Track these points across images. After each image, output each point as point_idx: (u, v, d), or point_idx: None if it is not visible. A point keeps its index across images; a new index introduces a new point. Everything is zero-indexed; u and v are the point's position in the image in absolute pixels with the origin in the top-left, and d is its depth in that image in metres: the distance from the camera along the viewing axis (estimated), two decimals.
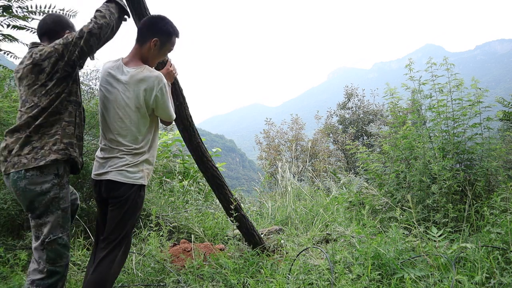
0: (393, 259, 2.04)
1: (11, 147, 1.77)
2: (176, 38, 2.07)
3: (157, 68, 2.20)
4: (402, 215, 2.88)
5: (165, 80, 1.96)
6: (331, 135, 11.80)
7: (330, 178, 6.45)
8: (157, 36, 1.96)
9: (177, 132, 6.29)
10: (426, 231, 2.55)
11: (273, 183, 7.72)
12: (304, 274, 2.12)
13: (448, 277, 1.80)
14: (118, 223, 1.90)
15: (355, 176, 5.49)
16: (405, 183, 3.46)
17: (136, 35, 2.00)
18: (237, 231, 3.65)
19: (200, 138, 2.69)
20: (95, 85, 4.95)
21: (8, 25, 3.61)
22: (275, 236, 3.45)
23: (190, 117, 2.58)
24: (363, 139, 11.24)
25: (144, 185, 1.99)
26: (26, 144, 1.75)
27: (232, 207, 2.72)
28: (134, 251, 2.82)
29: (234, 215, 2.70)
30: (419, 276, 1.88)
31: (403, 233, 2.47)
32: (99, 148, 2.02)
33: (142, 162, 1.97)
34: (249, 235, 2.96)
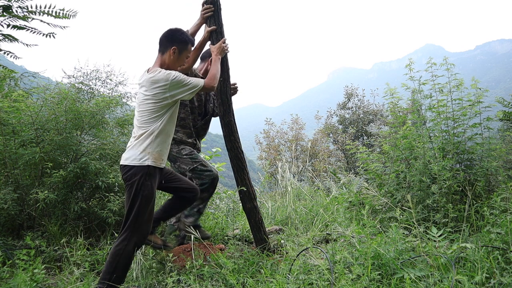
0: (393, 259, 2.04)
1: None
2: (191, 46, 2.44)
3: (213, 43, 2.62)
4: (402, 215, 2.88)
5: (174, 73, 2.23)
6: (331, 135, 11.80)
7: (330, 178, 6.45)
8: (175, 44, 2.33)
9: None
10: (426, 231, 2.55)
11: (273, 183, 7.72)
12: (304, 274, 2.12)
13: (448, 277, 1.80)
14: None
15: (355, 176, 5.49)
16: (405, 183, 3.46)
17: (158, 46, 2.37)
18: (237, 231, 3.65)
19: (234, 117, 2.86)
20: (95, 85, 4.94)
21: (8, 25, 3.61)
22: (275, 236, 3.45)
23: (230, 94, 2.82)
24: (363, 139, 11.23)
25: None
26: None
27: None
28: (138, 252, 2.81)
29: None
30: (419, 276, 1.88)
31: (403, 233, 2.47)
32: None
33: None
34: (257, 228, 2.97)
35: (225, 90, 2.76)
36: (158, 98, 2.24)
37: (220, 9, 2.66)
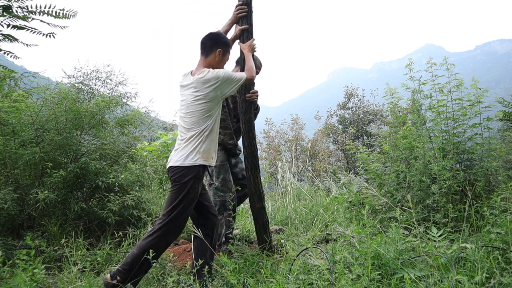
0: (393, 259, 2.04)
1: None
2: (230, 48, 2.63)
3: (243, 41, 2.85)
4: (402, 215, 2.88)
5: (222, 71, 2.40)
6: (331, 135, 11.80)
7: (330, 178, 6.45)
8: (220, 47, 2.50)
9: (177, 132, 6.28)
10: (426, 231, 2.54)
11: (273, 183, 7.72)
12: (304, 274, 2.12)
13: (448, 277, 1.79)
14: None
15: (355, 176, 5.49)
16: (405, 183, 3.46)
17: (200, 49, 2.53)
18: (237, 231, 3.65)
19: (253, 115, 2.99)
20: (95, 85, 4.94)
21: (8, 25, 3.61)
22: (275, 236, 3.45)
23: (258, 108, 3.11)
24: (363, 139, 11.23)
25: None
26: None
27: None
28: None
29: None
30: (419, 276, 1.87)
31: (403, 233, 2.47)
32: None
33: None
34: (263, 230, 2.99)
35: (249, 87, 2.90)
36: (210, 97, 2.38)
37: (252, 10, 2.87)
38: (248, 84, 2.89)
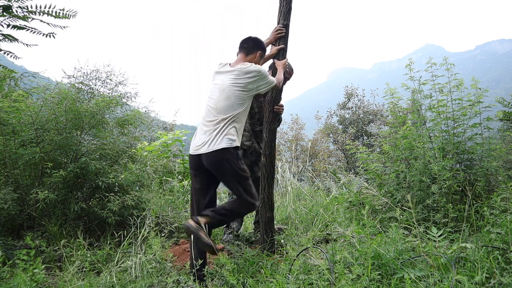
0: (393, 259, 2.04)
1: None
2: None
3: (278, 58, 3.12)
4: (402, 215, 2.88)
5: (262, 67, 2.67)
6: (331, 135, 11.80)
7: (330, 178, 6.45)
8: (261, 50, 2.80)
9: (177, 132, 6.28)
10: (426, 231, 2.54)
11: None
12: (304, 274, 2.12)
13: (448, 277, 1.80)
14: None
15: (355, 176, 5.49)
16: (405, 183, 3.46)
17: (241, 47, 2.77)
18: None
19: (277, 126, 3.20)
20: (95, 85, 4.94)
21: (8, 25, 3.61)
22: (275, 236, 3.44)
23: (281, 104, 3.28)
24: (363, 139, 11.22)
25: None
26: None
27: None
28: (138, 252, 2.82)
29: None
30: (419, 276, 1.87)
31: (403, 233, 2.47)
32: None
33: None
34: (271, 237, 3.06)
35: (278, 99, 3.14)
36: (246, 88, 2.59)
37: (288, 33, 3.14)
38: (278, 97, 3.13)
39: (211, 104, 2.63)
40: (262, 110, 3.39)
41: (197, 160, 2.56)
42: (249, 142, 3.40)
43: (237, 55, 2.81)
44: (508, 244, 2.07)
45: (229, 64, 2.74)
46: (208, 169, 2.54)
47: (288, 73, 3.40)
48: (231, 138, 2.52)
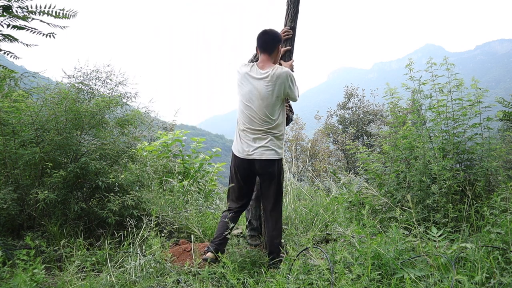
0: (393, 259, 2.04)
1: None
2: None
3: (284, 60, 3.13)
4: (402, 215, 2.88)
5: (290, 72, 2.76)
6: (331, 135, 11.80)
7: (330, 178, 6.45)
8: (280, 43, 2.87)
9: (177, 132, 6.28)
10: (426, 231, 2.54)
11: None
12: (304, 274, 2.12)
13: (448, 277, 1.80)
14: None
15: (355, 176, 5.49)
16: (405, 183, 3.46)
17: (262, 48, 2.81)
18: (236, 231, 3.65)
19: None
20: (95, 85, 4.93)
21: (8, 25, 3.61)
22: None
23: (291, 107, 3.51)
24: (363, 139, 11.23)
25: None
26: None
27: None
28: (138, 252, 2.82)
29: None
30: (419, 276, 1.88)
31: (403, 233, 2.47)
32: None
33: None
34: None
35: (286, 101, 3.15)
36: (280, 93, 2.74)
37: (295, 35, 3.18)
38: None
39: (260, 111, 2.76)
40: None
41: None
42: None
43: (258, 52, 2.86)
44: (508, 244, 2.07)
45: (256, 65, 2.81)
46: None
47: None
48: (281, 149, 2.83)
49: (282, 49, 3.11)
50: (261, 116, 2.74)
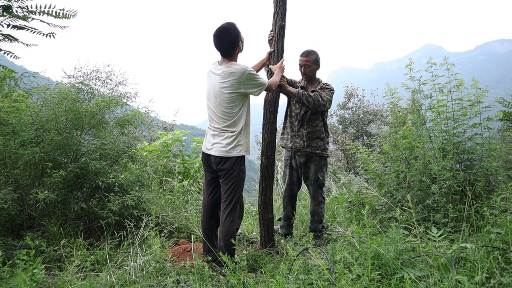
0: (393, 259, 2.04)
1: None
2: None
3: (272, 63, 3.10)
4: (402, 215, 2.88)
5: (247, 69, 2.62)
6: (331, 135, 11.79)
7: (330, 178, 6.45)
8: (239, 40, 2.70)
9: (177, 132, 6.28)
10: (426, 231, 2.54)
11: None
12: (304, 274, 2.12)
13: (448, 277, 1.79)
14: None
15: (355, 176, 5.49)
16: (405, 183, 3.45)
17: (219, 48, 2.69)
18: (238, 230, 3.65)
19: (276, 127, 3.15)
20: (95, 85, 4.94)
21: (8, 25, 3.60)
22: (275, 236, 3.44)
23: (277, 104, 3.18)
24: (363, 139, 11.22)
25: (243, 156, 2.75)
26: None
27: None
28: (138, 252, 2.82)
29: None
30: (419, 276, 1.87)
31: (403, 233, 2.47)
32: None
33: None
34: (269, 239, 3.08)
35: (274, 102, 3.09)
36: (234, 90, 2.65)
37: (282, 36, 3.05)
38: (273, 100, 3.07)
39: (210, 110, 2.75)
40: (302, 111, 3.38)
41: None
42: (291, 143, 3.40)
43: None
44: (508, 244, 2.07)
45: (218, 62, 2.75)
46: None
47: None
48: (238, 147, 2.69)
49: (268, 52, 3.10)
50: (217, 113, 2.70)
